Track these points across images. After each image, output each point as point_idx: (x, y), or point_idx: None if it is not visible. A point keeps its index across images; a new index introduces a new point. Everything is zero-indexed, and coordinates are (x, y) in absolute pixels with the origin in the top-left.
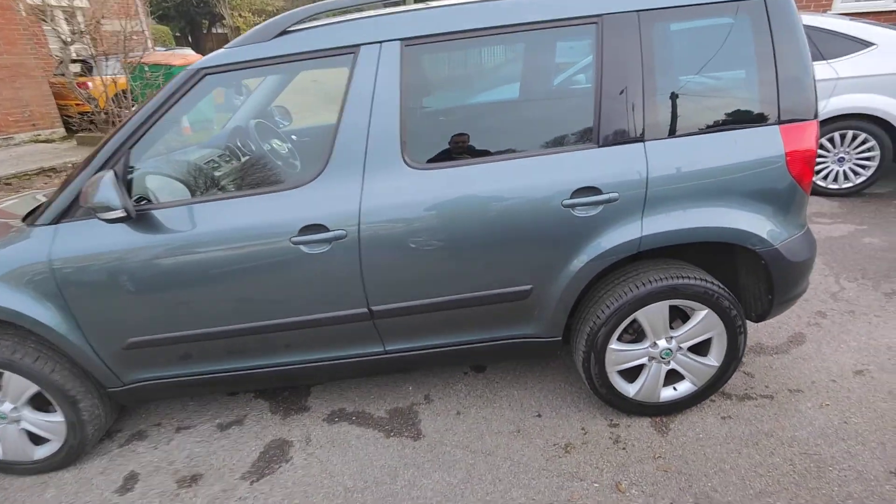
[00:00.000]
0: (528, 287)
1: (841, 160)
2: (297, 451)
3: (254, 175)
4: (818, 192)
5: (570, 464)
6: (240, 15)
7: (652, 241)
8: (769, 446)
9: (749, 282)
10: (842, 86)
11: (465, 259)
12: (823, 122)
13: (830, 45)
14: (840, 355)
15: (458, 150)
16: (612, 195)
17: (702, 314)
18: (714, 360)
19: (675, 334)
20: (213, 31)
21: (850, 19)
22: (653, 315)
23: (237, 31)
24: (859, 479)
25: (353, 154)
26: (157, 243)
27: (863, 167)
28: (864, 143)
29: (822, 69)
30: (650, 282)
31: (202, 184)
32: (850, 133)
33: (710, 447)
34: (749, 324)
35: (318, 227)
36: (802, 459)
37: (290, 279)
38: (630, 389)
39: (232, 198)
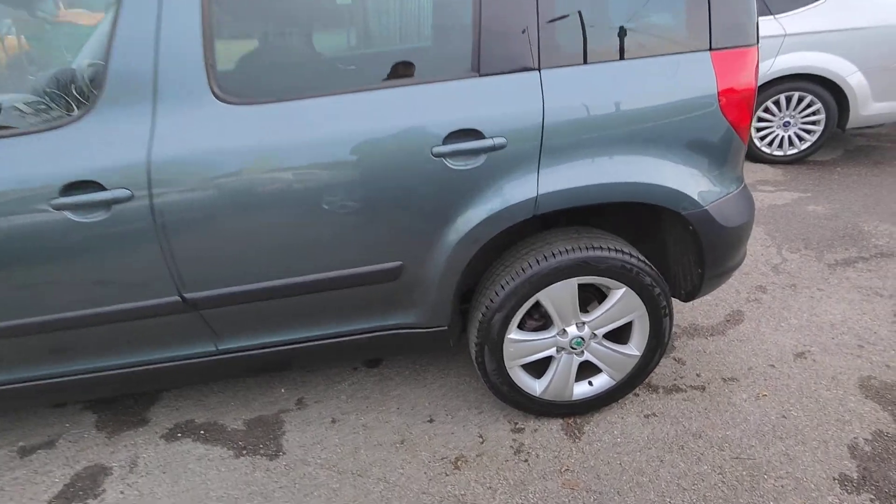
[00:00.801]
0: (396, 264)
1: (786, 125)
2: (114, 480)
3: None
4: (762, 159)
5: (457, 483)
6: None
7: (552, 200)
8: (697, 450)
9: (676, 253)
10: (789, 43)
11: (307, 228)
12: (769, 84)
13: None
14: (780, 335)
15: (292, 79)
16: (497, 140)
17: (619, 293)
18: (635, 348)
19: (588, 319)
20: None
21: None
22: (559, 296)
23: None
24: (798, 488)
25: (137, 80)
26: None
27: (808, 132)
28: (809, 106)
29: (768, 25)
30: (554, 255)
31: None
32: (795, 96)
33: (627, 454)
34: (680, 303)
35: (90, 185)
36: (733, 466)
37: (64, 258)
38: (537, 386)
39: None
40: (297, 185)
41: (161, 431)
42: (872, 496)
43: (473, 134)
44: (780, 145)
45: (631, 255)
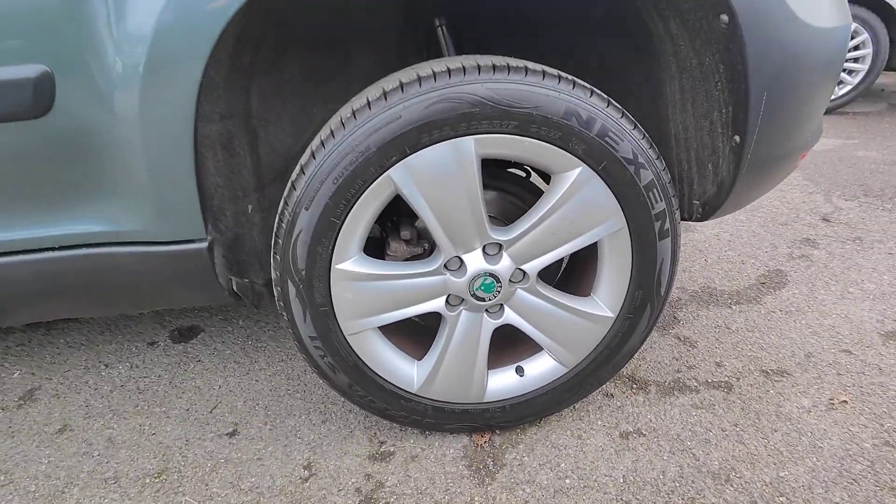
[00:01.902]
0: (36, 70)
1: None
2: None
3: None
4: None
5: None
6: None
7: None
8: None
9: (686, 102)
10: None
11: None
12: None
13: None
14: (850, 305)
15: None
16: None
17: (568, 178)
18: (603, 302)
19: (508, 237)
20: None
21: None
22: (441, 181)
23: None
24: None
25: None
26: None
27: (849, 73)
28: (852, 37)
29: None
30: (419, 86)
31: None
32: None
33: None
34: (689, 249)
35: None
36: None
37: None
38: (413, 374)
39: None
40: None
41: None
42: None
43: None
44: None
45: (592, 93)
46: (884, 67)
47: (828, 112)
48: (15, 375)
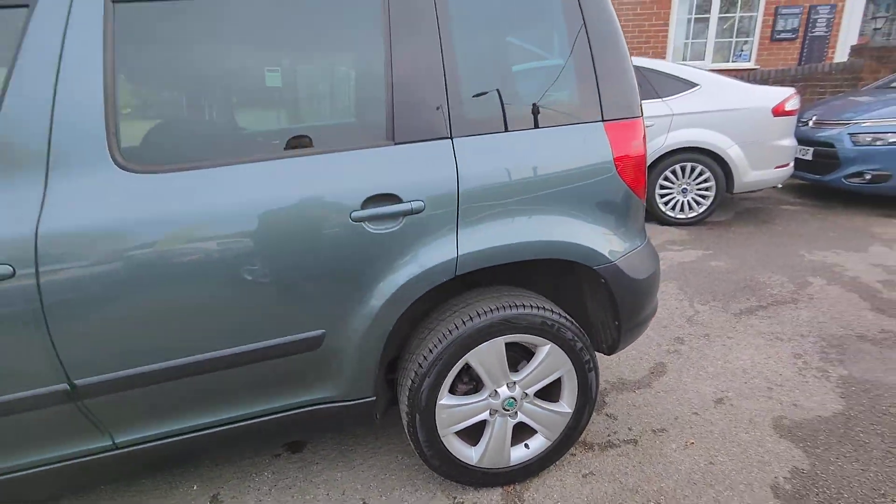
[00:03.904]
0: (318, 333)
1: (684, 191)
2: None
3: None
4: (668, 221)
5: None
6: None
7: (473, 260)
8: (639, 502)
9: (594, 307)
10: (677, 121)
11: (218, 300)
12: (666, 156)
13: (664, 85)
14: (700, 383)
15: (201, 147)
16: (415, 204)
17: (545, 350)
18: (566, 405)
19: (518, 378)
20: None
21: (678, 63)
22: (487, 356)
23: None
24: None
25: (28, 145)
26: None
27: (703, 197)
28: (701, 174)
29: (658, 106)
30: (478, 315)
31: None
32: (689, 165)
33: None
34: (609, 358)
35: None
36: None
37: None
38: (473, 454)
39: None
40: (205, 254)
41: None
42: None
43: (391, 199)
44: (682, 209)
45: (552, 312)
46: (725, 191)
47: (693, 224)
48: (195, 487)
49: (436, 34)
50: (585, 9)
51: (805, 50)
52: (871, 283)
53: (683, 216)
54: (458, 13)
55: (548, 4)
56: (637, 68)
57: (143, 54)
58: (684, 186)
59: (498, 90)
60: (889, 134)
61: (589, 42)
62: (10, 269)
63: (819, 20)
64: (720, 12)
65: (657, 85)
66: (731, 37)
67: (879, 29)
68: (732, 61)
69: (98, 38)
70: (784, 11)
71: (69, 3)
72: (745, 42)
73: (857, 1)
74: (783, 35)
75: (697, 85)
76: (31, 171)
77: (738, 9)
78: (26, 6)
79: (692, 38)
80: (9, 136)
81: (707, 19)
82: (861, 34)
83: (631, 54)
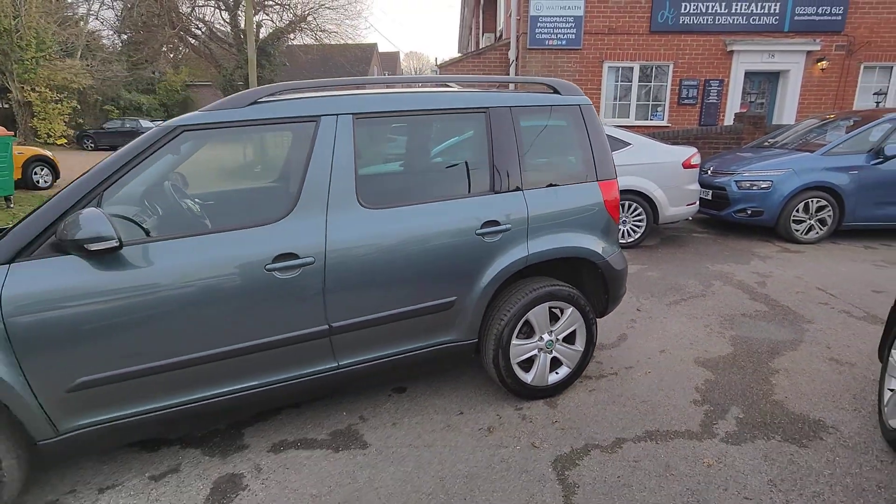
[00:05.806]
0: (452, 298)
1: (624, 223)
2: (251, 479)
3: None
4: None
5: (495, 439)
6: (33, 89)
7: (536, 257)
8: (622, 401)
9: (591, 287)
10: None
11: (405, 276)
12: None
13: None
14: (650, 343)
15: (399, 196)
16: (507, 226)
17: (569, 311)
18: (580, 345)
19: (554, 328)
20: None
21: (615, 126)
22: (539, 315)
23: (28, 105)
24: (675, 409)
25: (320, 195)
26: (130, 276)
27: (638, 227)
28: (635, 210)
29: None
30: (535, 289)
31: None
32: (626, 203)
33: (586, 409)
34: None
35: (290, 256)
36: (642, 405)
37: (259, 304)
38: (528, 377)
39: (206, 233)
40: (402, 250)
41: (265, 448)
42: (710, 407)
43: (495, 223)
44: (623, 236)
45: (573, 288)
46: (653, 222)
47: (632, 247)
48: (343, 413)
49: (514, 138)
50: (589, 125)
51: (703, 113)
52: (751, 284)
53: (624, 241)
54: (524, 127)
55: (575, 125)
56: None
57: (370, 146)
58: (624, 219)
59: (545, 165)
60: (761, 182)
61: (590, 143)
62: (313, 259)
63: (712, 91)
64: (639, 81)
65: None
66: (649, 100)
67: (753, 101)
68: (650, 119)
69: (350, 136)
70: (686, 83)
71: (336, 118)
72: (659, 105)
73: (738, 78)
74: (686, 101)
75: (631, 144)
76: (321, 209)
77: (653, 79)
78: (314, 122)
79: (619, 101)
80: (313, 190)
81: (630, 86)
82: (742, 103)
83: None
